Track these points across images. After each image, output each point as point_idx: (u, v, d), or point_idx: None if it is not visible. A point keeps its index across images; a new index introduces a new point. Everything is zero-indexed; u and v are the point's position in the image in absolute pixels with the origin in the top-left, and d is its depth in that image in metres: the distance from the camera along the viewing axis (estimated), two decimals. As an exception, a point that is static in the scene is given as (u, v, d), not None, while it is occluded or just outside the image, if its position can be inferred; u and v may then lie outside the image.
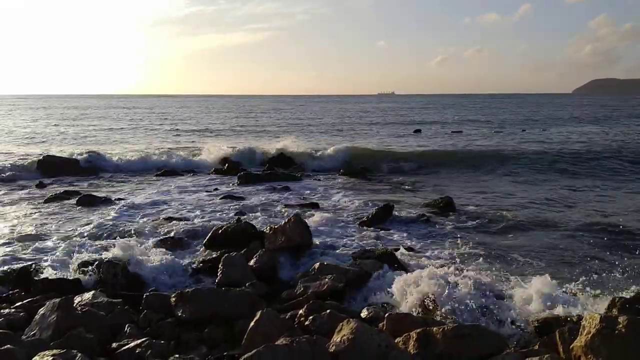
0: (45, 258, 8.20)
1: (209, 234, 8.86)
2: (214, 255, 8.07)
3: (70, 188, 14.98)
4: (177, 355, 4.39)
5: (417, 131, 36.41)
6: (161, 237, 9.18)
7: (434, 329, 4.44)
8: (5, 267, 7.69)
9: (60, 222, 10.81)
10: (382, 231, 9.98)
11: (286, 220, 8.45)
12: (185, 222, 10.53)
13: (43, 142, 29.67)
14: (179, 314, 5.52)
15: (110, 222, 10.78)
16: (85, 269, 7.51)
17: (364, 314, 5.77)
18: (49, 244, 9.12)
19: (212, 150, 21.73)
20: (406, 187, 15.81)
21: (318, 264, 7.16)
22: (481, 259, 8.22)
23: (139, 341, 4.81)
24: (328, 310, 5.26)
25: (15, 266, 7.62)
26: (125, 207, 12.33)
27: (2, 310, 5.79)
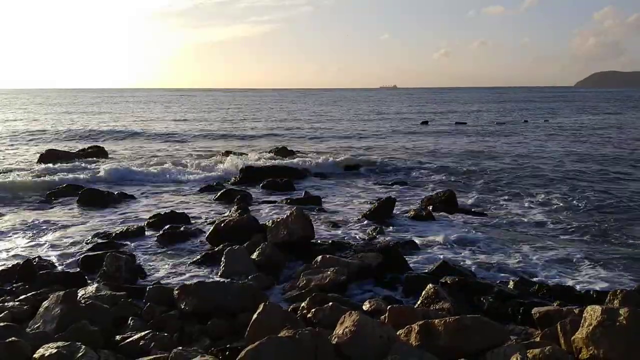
0: (48, 251, 8.24)
1: (212, 227, 8.88)
2: (217, 249, 8.11)
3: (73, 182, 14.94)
4: (180, 348, 4.41)
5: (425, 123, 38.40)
6: (163, 231, 9.19)
7: (436, 321, 4.45)
8: (9, 261, 7.74)
9: (63, 216, 10.83)
10: (384, 225, 9.98)
11: (289, 213, 8.45)
12: (188, 216, 10.54)
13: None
14: (182, 307, 5.55)
15: (113, 216, 10.82)
16: (89, 262, 7.56)
17: (366, 306, 5.79)
18: (53, 237, 9.15)
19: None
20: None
21: (320, 257, 7.18)
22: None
23: (142, 333, 4.84)
24: (330, 303, 5.28)
25: (19, 260, 7.66)
26: (128, 201, 12.37)
27: (6, 304, 5.82)
